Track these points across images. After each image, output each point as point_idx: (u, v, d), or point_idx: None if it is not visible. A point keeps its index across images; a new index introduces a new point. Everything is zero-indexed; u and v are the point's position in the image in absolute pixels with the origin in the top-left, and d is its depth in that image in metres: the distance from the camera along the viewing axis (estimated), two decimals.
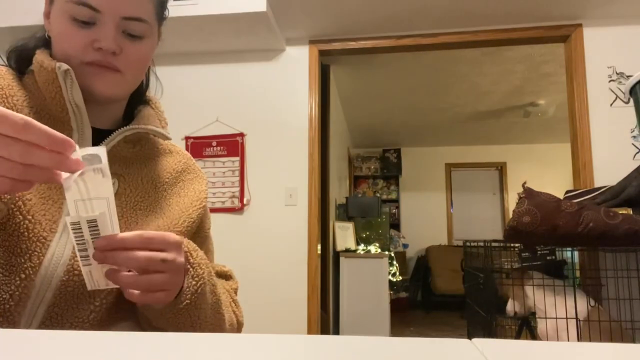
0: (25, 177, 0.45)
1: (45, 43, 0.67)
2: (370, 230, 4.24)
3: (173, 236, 0.55)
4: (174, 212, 0.70)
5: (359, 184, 6.73)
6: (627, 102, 2.48)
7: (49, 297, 0.57)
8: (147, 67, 0.72)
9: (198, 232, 0.76)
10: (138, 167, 0.70)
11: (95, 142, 0.66)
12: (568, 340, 1.75)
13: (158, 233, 0.54)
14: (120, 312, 0.63)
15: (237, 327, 0.76)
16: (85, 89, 0.63)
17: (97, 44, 0.61)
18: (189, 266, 0.60)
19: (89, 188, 0.47)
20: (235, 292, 0.81)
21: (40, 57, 0.63)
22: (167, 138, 0.74)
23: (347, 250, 3.69)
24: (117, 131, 0.67)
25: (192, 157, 0.83)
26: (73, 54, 0.62)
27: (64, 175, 0.47)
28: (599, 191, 2.03)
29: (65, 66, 0.61)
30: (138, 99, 0.77)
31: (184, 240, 0.60)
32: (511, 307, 1.99)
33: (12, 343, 0.34)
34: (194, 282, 0.59)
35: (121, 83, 0.66)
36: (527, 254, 1.98)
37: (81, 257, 0.50)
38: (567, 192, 2.24)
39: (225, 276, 0.81)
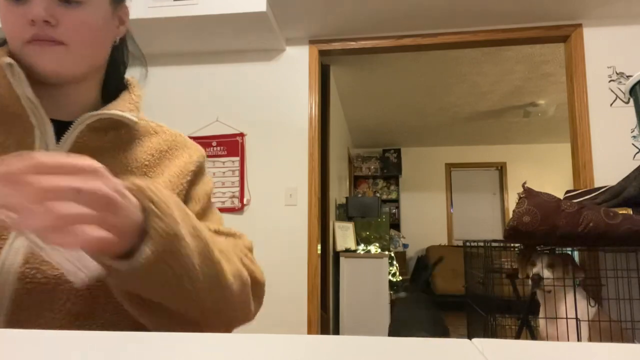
0: None
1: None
2: (370, 230, 4.24)
3: (91, 162, 0.42)
4: None
5: (359, 184, 6.73)
6: (627, 102, 2.48)
7: (7, 304, 0.54)
8: (97, 38, 0.65)
9: (187, 202, 0.70)
10: (112, 155, 0.66)
11: (60, 136, 0.62)
12: (568, 340, 1.75)
13: (62, 159, 0.41)
14: (93, 319, 0.58)
15: (256, 283, 0.66)
16: (32, 70, 0.60)
17: (30, 16, 0.58)
18: (151, 205, 0.48)
19: None
20: (250, 251, 0.72)
21: None
22: (133, 122, 0.67)
23: (347, 250, 3.69)
24: (76, 121, 0.62)
25: (183, 135, 0.76)
26: (12, 34, 0.60)
27: None
28: (599, 191, 2.03)
29: (7, 59, 0.58)
30: (114, 83, 0.72)
31: (143, 182, 0.50)
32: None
33: (11, 344, 0.34)
34: (161, 223, 0.48)
35: (66, 56, 0.61)
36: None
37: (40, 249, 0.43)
38: (567, 192, 2.24)
39: (234, 237, 0.74)
